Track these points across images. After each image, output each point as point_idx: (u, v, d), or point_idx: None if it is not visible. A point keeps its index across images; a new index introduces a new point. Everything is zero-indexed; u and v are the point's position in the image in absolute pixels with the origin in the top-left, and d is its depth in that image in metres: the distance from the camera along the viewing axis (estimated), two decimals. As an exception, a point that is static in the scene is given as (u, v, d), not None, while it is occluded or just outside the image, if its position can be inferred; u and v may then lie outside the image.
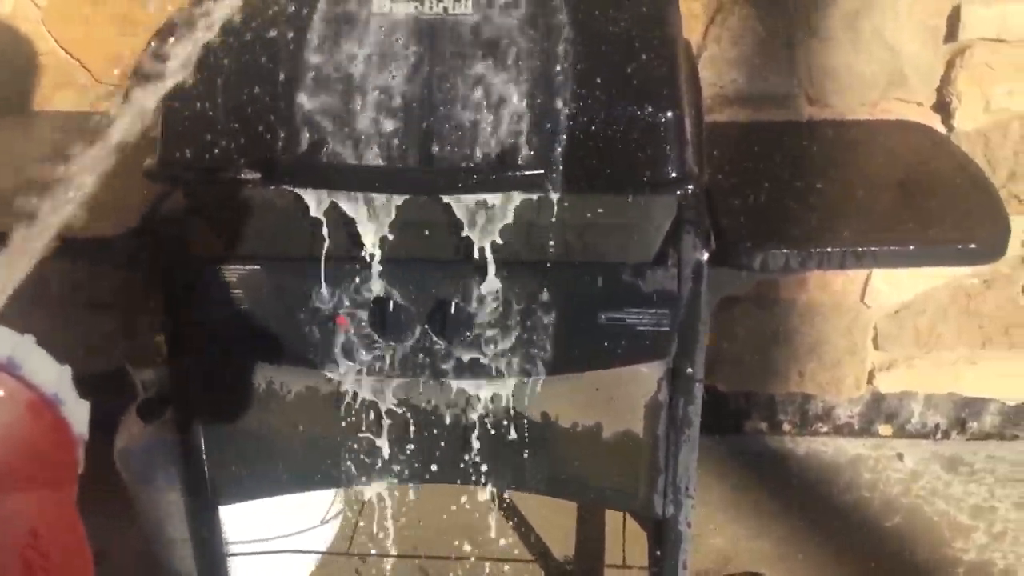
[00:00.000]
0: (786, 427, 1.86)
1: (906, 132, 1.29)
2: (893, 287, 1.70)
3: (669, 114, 0.92)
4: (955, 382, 1.79)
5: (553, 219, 0.97)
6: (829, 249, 1.00)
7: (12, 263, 0.48)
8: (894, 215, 1.06)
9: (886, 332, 1.74)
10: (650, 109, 0.92)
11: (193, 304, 1.06)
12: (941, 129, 1.51)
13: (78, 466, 0.45)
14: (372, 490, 1.24)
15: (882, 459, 1.81)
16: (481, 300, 1.03)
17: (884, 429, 1.86)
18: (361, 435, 1.15)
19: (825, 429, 1.86)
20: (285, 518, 1.33)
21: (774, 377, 1.80)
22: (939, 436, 1.85)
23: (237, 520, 1.27)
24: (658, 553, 1.22)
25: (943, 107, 1.53)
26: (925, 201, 1.09)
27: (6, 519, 0.39)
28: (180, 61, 0.65)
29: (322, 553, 1.39)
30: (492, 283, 1.02)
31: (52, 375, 0.43)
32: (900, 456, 1.81)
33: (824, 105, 1.52)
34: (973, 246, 0.99)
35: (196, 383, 1.15)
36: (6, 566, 0.37)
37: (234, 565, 1.29)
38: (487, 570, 1.56)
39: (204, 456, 1.17)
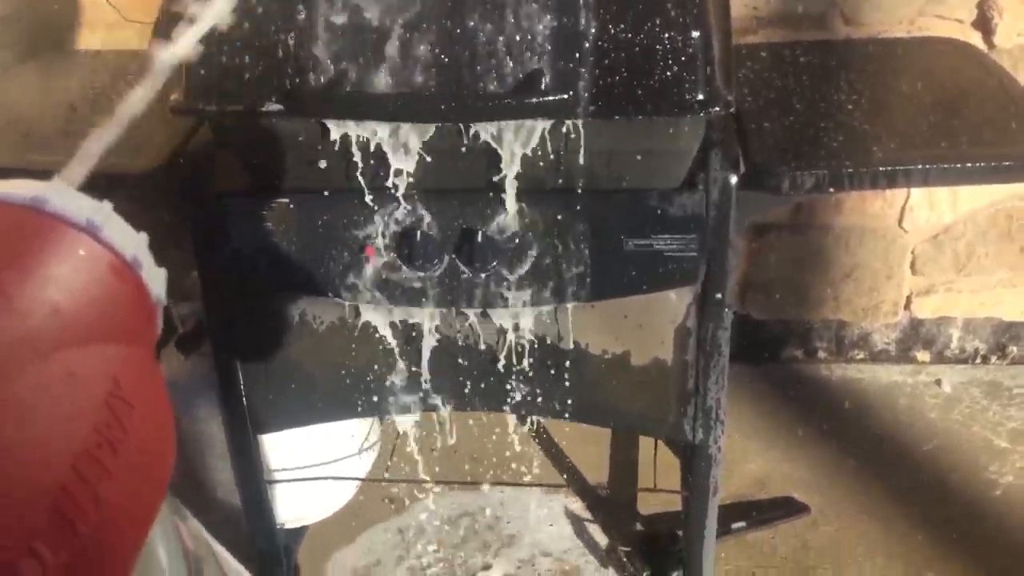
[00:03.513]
0: (822, 355, 1.86)
1: (944, 49, 1.25)
2: (932, 211, 1.67)
3: (695, 34, 0.90)
4: (995, 306, 1.77)
5: (579, 145, 0.97)
6: (861, 169, 0.99)
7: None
8: (929, 133, 1.04)
9: (924, 257, 1.72)
10: (676, 30, 0.90)
11: (223, 238, 1.07)
12: (981, 46, 1.47)
13: (156, 328, 0.47)
14: (407, 419, 1.26)
15: (919, 385, 1.80)
16: (508, 228, 1.03)
17: (922, 355, 1.84)
18: (392, 365, 1.16)
19: (861, 356, 1.85)
20: (324, 447, 1.36)
21: (809, 304, 1.79)
22: (978, 361, 1.84)
23: (278, 449, 1.30)
24: (689, 478, 1.23)
25: (983, 23, 1.48)
26: (961, 119, 1.06)
27: (90, 365, 0.40)
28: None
29: (360, 480, 1.42)
30: (518, 211, 1.02)
31: (130, 239, 0.45)
32: (938, 382, 1.80)
33: (860, 24, 1.48)
34: (1007, 163, 0.96)
35: (230, 316, 1.17)
36: (92, 411, 0.39)
37: (275, 492, 1.32)
38: (522, 497, 1.59)
39: (242, 387, 1.19)
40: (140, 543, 0.40)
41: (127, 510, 0.39)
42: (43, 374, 0.38)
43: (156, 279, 0.46)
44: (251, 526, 1.32)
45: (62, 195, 0.43)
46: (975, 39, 1.48)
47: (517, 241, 1.04)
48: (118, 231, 0.44)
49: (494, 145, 0.96)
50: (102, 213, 0.44)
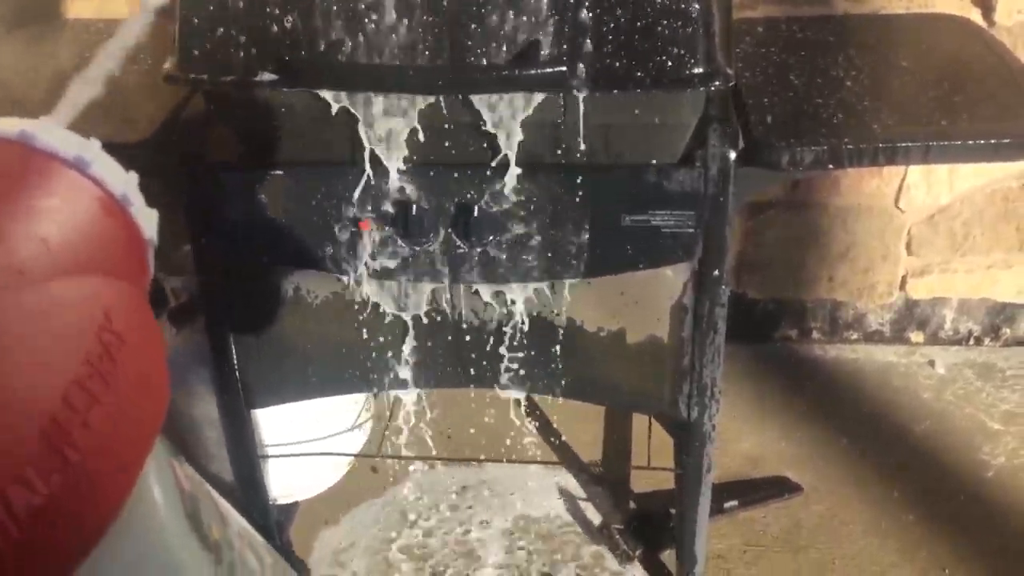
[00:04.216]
0: (816, 334, 1.86)
1: (944, 25, 1.24)
2: (929, 191, 1.67)
3: (696, 7, 0.89)
4: (990, 287, 1.77)
5: (577, 118, 0.96)
6: (860, 145, 0.98)
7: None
8: (928, 110, 1.03)
9: (920, 237, 1.72)
10: (676, 3, 0.89)
11: (217, 210, 1.06)
12: (981, 23, 1.46)
13: (148, 267, 0.46)
14: (402, 395, 1.25)
15: (913, 366, 1.80)
16: (504, 203, 1.02)
17: (916, 336, 1.84)
18: (387, 340, 1.16)
19: (855, 336, 1.85)
20: (317, 423, 1.35)
21: (804, 283, 1.78)
22: (972, 342, 1.84)
23: (270, 424, 1.30)
24: (683, 455, 1.23)
25: (983, 0, 1.48)
26: (961, 96, 1.05)
27: (82, 298, 0.40)
28: None
29: (354, 456, 1.42)
30: (515, 185, 1.01)
31: (120, 177, 0.44)
32: (931, 363, 1.80)
33: (860, 0, 1.47)
34: (1007, 140, 0.96)
35: (224, 290, 1.16)
36: (83, 343, 0.38)
37: (268, 467, 1.32)
38: (515, 474, 1.59)
39: (235, 361, 1.19)
40: (132, 478, 0.40)
41: (118, 444, 0.39)
42: (32, 304, 0.38)
43: (147, 218, 0.45)
44: (244, 501, 1.31)
45: (50, 131, 0.43)
46: (975, 16, 1.47)
47: (513, 216, 1.03)
48: (107, 168, 0.44)
49: (490, 118, 0.95)
50: (91, 150, 0.44)
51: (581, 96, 0.93)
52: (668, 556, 1.41)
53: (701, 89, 0.93)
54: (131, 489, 0.39)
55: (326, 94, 0.94)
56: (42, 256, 0.39)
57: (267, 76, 0.92)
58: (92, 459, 0.36)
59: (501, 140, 0.97)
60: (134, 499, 0.40)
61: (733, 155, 1.00)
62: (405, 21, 0.90)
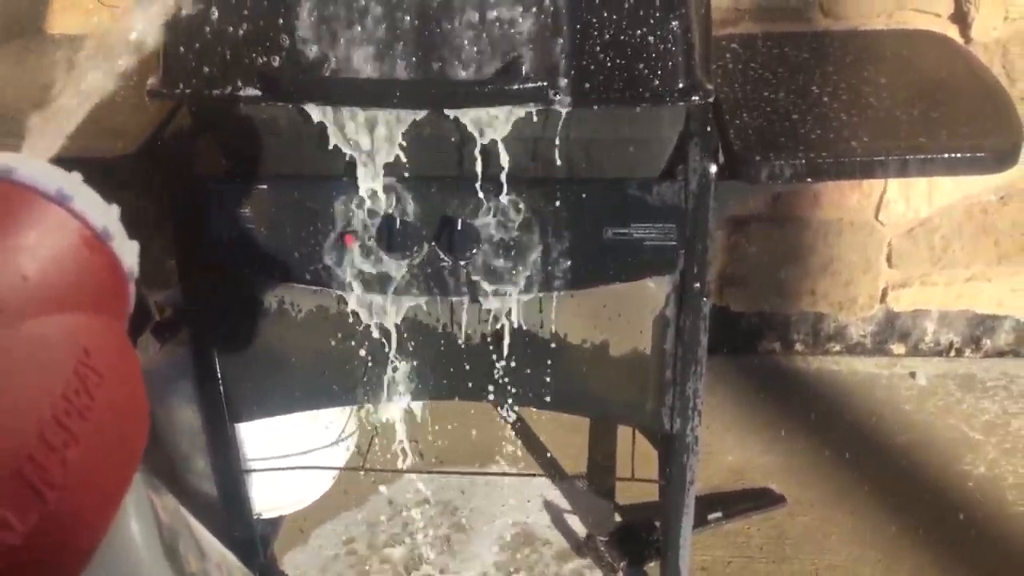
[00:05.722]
0: (799, 347, 1.87)
1: (921, 42, 1.26)
2: (908, 205, 1.68)
3: (675, 24, 0.90)
4: (970, 299, 1.79)
5: (558, 133, 0.97)
6: (838, 159, 0.99)
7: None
8: (906, 125, 1.05)
9: (900, 250, 1.73)
10: (656, 19, 0.90)
11: (201, 224, 1.06)
12: (958, 40, 1.48)
13: (129, 299, 0.46)
14: (387, 409, 1.26)
15: (895, 377, 1.81)
16: (487, 216, 1.03)
17: (897, 348, 1.86)
18: (372, 353, 1.16)
19: (837, 348, 1.86)
20: (301, 436, 1.35)
21: (787, 297, 1.80)
22: (953, 354, 1.85)
23: (254, 438, 1.30)
24: (667, 467, 1.23)
25: (960, 17, 1.50)
26: (938, 111, 1.07)
27: (60, 334, 0.40)
28: None
29: (338, 469, 1.42)
30: (498, 199, 1.02)
31: (101, 210, 0.44)
32: (913, 374, 1.81)
33: (839, 17, 1.49)
34: (982, 154, 0.97)
35: (208, 304, 1.16)
36: (61, 379, 0.38)
37: (252, 481, 1.32)
38: (499, 485, 1.59)
39: (219, 375, 1.19)
40: (111, 514, 0.39)
41: (97, 480, 0.38)
42: (10, 341, 0.38)
43: (128, 251, 0.45)
44: (228, 516, 1.31)
45: (31, 165, 0.43)
46: (952, 32, 1.49)
47: (496, 230, 1.03)
48: (89, 202, 0.44)
49: (473, 132, 0.96)
50: (72, 183, 0.43)
51: (563, 111, 0.94)
52: (652, 568, 1.41)
53: (681, 104, 0.94)
54: (109, 525, 0.39)
55: (310, 109, 0.94)
56: (21, 291, 0.39)
57: (250, 91, 0.92)
58: (70, 497, 0.36)
59: (484, 154, 0.98)
60: (111, 533, 0.39)
61: (713, 169, 1.01)
62: (388, 37, 0.91)
